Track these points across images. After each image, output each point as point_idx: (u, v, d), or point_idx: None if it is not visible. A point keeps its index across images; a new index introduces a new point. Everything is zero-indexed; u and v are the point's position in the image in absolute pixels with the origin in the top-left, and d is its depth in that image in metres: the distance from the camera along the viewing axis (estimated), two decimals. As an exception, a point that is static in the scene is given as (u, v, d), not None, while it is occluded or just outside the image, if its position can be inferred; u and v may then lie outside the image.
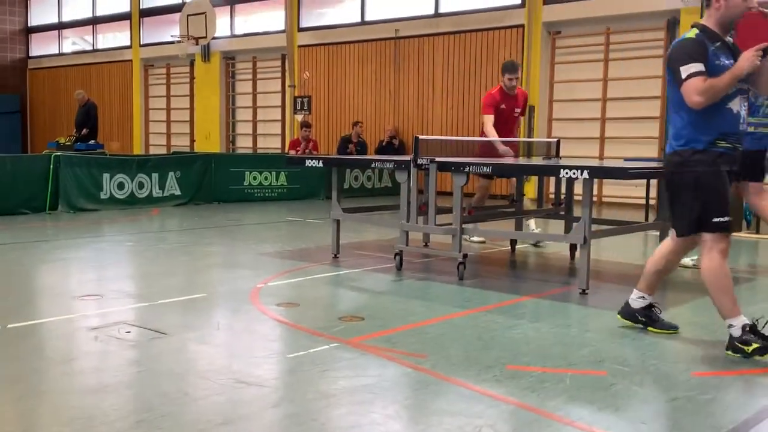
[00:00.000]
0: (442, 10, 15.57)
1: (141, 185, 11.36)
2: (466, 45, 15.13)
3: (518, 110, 7.90)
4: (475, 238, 8.07)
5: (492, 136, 7.62)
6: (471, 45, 15.06)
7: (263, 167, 13.01)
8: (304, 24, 17.93)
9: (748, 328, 3.87)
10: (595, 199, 13.28)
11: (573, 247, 7.09)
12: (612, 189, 13.49)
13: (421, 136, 6.17)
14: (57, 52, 24.50)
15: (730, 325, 3.92)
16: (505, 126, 7.86)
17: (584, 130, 13.91)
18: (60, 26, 24.30)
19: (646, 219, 9.23)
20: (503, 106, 7.78)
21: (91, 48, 23.57)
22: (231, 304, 5.13)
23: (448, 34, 15.34)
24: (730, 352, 3.91)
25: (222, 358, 3.86)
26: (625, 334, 4.38)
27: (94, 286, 5.69)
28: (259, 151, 19.12)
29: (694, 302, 5.36)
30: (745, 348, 3.85)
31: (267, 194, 12.98)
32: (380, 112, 16.51)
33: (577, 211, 6.50)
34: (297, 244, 7.99)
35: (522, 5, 14.24)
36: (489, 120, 7.74)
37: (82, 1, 23.30)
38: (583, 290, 5.43)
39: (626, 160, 9.37)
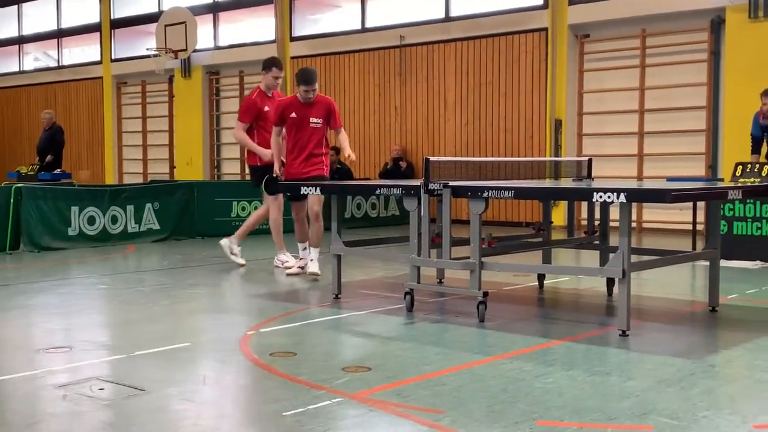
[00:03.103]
0: (453, 13, 15.70)
1: (114, 219, 11.40)
2: (482, 52, 15.23)
3: (316, 120, 8.02)
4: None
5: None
6: (487, 52, 15.16)
7: (253, 196, 13.00)
8: (297, 32, 18.10)
9: None
10: (634, 225, 13.26)
11: (610, 282, 7.07)
12: (653, 214, 13.47)
13: (432, 158, 6.19)
14: (17, 69, 24.76)
15: None
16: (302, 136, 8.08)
17: (619, 147, 13.94)
18: (20, 40, 24.57)
19: (694, 247, 9.22)
20: (293, 114, 8.01)
21: (56, 64, 23.80)
22: (218, 354, 5.12)
23: (461, 40, 15.45)
24: None
25: (209, 418, 3.84)
26: (672, 381, 4.35)
27: (62, 337, 5.69)
28: (247, 178, 19.12)
29: (752, 343, 5.32)
30: None
31: (258, 226, 12.95)
32: (385, 130, 16.59)
33: (613, 240, 6.49)
34: (292, 284, 7.98)
35: (545, 6, 14.36)
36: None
37: (45, 11, 23.57)
38: (624, 332, 5.41)
39: (669, 180, 9.38)
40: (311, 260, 8.02)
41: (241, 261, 8.99)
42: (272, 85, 8.72)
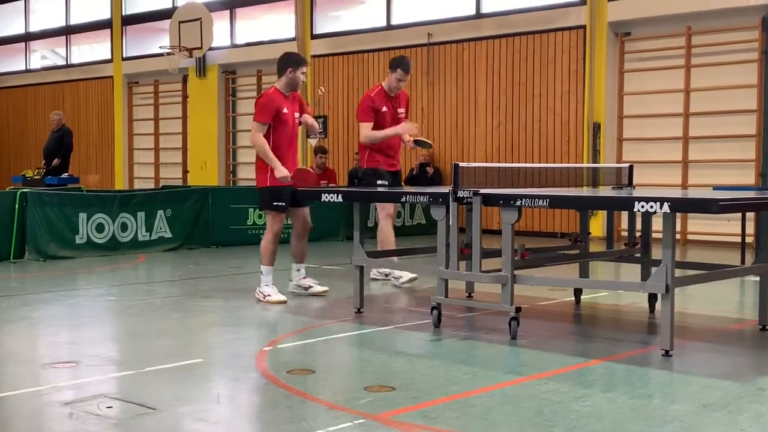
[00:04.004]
0: (484, 9, 15.70)
1: (124, 227, 11.48)
2: (515, 51, 15.21)
3: (297, 114, 7.87)
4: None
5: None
6: (521, 51, 15.14)
7: (270, 203, 13.07)
8: (318, 30, 18.18)
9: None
10: (678, 237, 13.18)
11: (652, 298, 7.02)
12: (699, 225, 13.35)
13: (461, 163, 6.18)
14: (23, 68, 25.04)
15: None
16: None
17: (662, 153, 13.85)
18: (27, 37, 24.86)
19: (743, 261, 9.12)
20: (285, 110, 7.72)
21: (64, 63, 24.05)
22: (233, 371, 5.14)
23: (493, 38, 15.44)
24: None
25: (222, 439, 3.85)
26: (719, 406, 4.31)
27: (68, 351, 5.73)
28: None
29: (805, 365, 5.27)
30: None
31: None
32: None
33: (656, 253, 6.44)
34: (311, 297, 7.98)
35: (583, 2, 14.33)
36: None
37: (53, 7, 23.83)
38: (667, 351, 5.36)
39: (716, 188, 9.30)
40: (305, 277, 7.89)
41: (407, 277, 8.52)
42: (394, 88, 8.59)
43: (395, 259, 8.05)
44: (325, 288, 7.83)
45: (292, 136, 7.77)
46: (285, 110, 7.63)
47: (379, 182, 8.38)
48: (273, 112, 7.57)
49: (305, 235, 7.91)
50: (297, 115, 7.77)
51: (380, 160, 8.61)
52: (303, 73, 7.74)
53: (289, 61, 7.73)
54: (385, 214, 8.63)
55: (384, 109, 8.53)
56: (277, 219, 7.70)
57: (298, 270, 7.89)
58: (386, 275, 8.77)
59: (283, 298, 7.52)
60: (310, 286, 7.84)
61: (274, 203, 7.62)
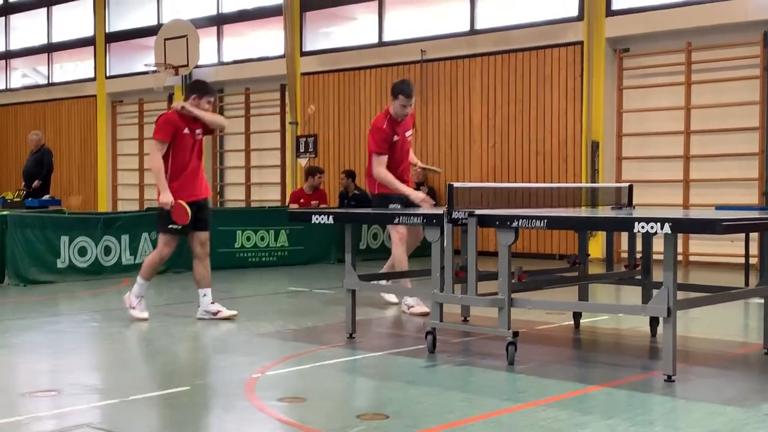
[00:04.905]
0: (479, 25, 15.78)
1: (107, 250, 11.46)
2: (511, 68, 15.29)
3: (198, 131, 8.02)
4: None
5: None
6: (517, 68, 15.21)
7: (259, 225, 13.09)
8: (308, 47, 18.24)
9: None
10: (680, 258, 13.21)
11: (654, 322, 7.04)
12: (701, 246, 13.38)
13: (456, 183, 6.20)
14: (4, 86, 25.07)
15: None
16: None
17: (663, 172, 13.90)
18: (7, 55, 24.90)
19: (747, 283, 9.14)
20: (186, 130, 7.89)
21: (45, 81, 24.08)
22: (221, 399, 5.12)
23: (488, 54, 15.52)
24: None
25: (210, 470, 3.84)
26: (724, 432, 4.32)
27: (49, 379, 5.71)
28: (253, 204, 19.28)
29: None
30: None
31: (264, 258, 13.04)
32: (405, 153, 16.62)
33: (657, 275, 6.46)
34: (302, 322, 7.98)
35: (580, 18, 14.42)
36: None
37: (34, 24, 23.88)
38: (669, 377, 5.37)
39: (718, 208, 9.34)
40: (213, 302, 7.91)
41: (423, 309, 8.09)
42: (401, 114, 8.35)
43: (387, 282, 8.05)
44: (233, 312, 7.86)
45: (193, 156, 7.91)
46: (186, 131, 7.87)
47: (391, 206, 8.14)
48: (172, 132, 7.82)
49: (205, 258, 8.01)
50: (198, 132, 7.96)
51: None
52: (209, 102, 8.07)
53: (195, 89, 8.10)
54: (398, 237, 8.37)
55: (395, 138, 8.32)
56: (169, 243, 7.97)
57: (204, 295, 7.94)
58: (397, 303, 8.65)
59: (144, 315, 7.79)
60: (219, 311, 7.92)
61: (169, 226, 7.79)
